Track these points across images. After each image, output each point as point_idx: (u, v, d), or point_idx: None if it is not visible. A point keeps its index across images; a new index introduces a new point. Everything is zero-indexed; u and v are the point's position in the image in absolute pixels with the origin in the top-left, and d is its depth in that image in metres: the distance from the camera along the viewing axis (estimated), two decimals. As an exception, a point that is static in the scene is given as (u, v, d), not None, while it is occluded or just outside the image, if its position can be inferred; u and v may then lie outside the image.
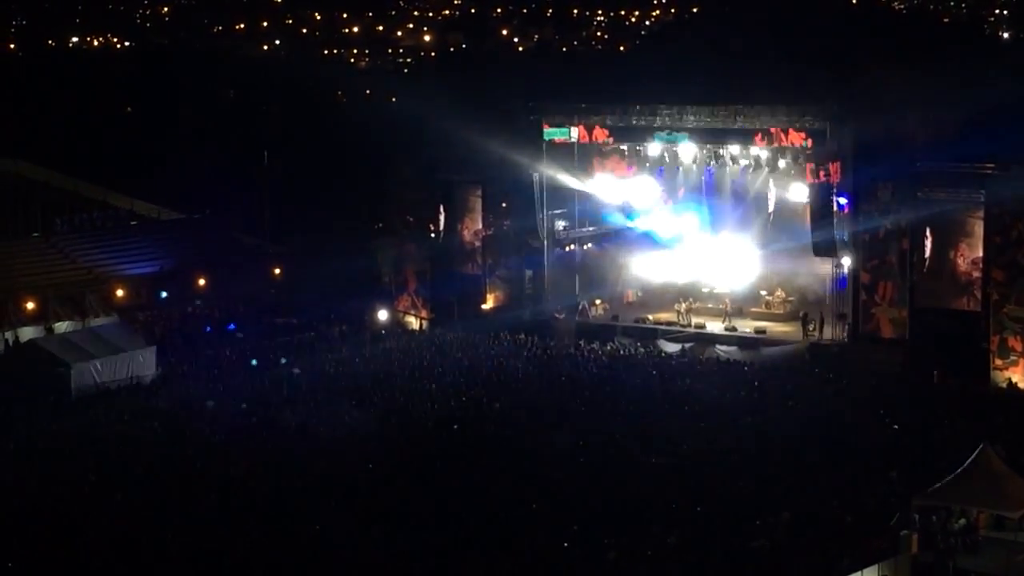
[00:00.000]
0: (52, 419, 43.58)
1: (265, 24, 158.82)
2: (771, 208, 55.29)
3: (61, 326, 55.05)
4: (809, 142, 51.87)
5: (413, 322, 61.02)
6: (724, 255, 57.14)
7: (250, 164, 73.83)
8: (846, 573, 29.98)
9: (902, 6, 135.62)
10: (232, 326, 57.19)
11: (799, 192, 53.80)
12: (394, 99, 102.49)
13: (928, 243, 49.62)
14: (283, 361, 50.02)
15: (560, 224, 60.14)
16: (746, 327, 55.19)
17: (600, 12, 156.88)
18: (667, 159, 56.82)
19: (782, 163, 54.01)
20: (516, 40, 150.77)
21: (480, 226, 60.67)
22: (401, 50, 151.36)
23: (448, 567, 30.74)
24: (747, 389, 46.17)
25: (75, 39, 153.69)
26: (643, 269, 59.39)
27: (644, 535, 31.95)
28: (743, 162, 55.36)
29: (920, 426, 40.85)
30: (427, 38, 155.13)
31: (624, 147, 57.69)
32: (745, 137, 53.80)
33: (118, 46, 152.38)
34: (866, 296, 51.09)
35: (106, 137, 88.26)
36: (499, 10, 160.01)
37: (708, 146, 55.53)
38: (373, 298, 60.78)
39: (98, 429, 42.64)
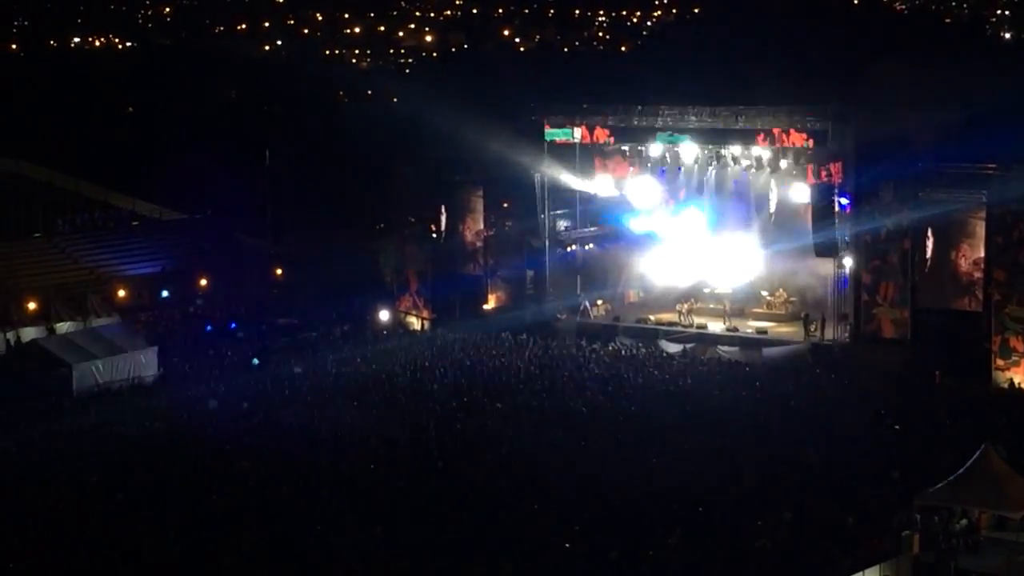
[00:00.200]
0: (53, 419, 43.57)
1: (266, 24, 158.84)
2: (772, 208, 55.25)
3: (63, 326, 55.03)
4: (811, 142, 51.90)
5: (414, 322, 61.01)
6: (726, 256, 57.10)
7: (252, 164, 73.83)
8: (847, 573, 29.96)
9: (904, 7, 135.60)
10: (233, 325, 57.13)
11: (801, 192, 53.78)
12: (395, 99, 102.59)
13: (930, 243, 49.60)
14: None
15: (562, 224, 60.16)
16: (747, 328, 55.18)
17: (602, 12, 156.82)
18: (669, 159, 56.74)
19: (784, 163, 53.93)
20: (518, 40, 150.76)
21: (482, 226, 60.68)
22: (403, 50, 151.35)
23: (449, 567, 30.73)
24: (748, 389, 46.18)
25: (77, 39, 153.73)
26: (645, 270, 59.38)
27: (645, 535, 31.94)
28: (745, 162, 55.27)
29: (921, 426, 40.84)
30: (428, 38, 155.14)
31: (626, 147, 57.62)
32: (747, 137, 53.80)
33: (119, 46, 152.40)
34: (867, 296, 51.06)
35: (108, 137, 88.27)
36: (500, 10, 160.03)
37: (710, 146, 55.47)
38: (374, 298, 60.78)
39: (99, 429, 42.65)
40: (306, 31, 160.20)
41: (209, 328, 57.17)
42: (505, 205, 60.48)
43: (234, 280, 63.59)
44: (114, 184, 73.99)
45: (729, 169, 56.13)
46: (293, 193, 73.64)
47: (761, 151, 53.99)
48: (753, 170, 55.25)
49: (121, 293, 60.70)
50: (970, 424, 39.93)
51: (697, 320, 55.70)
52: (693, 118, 54.73)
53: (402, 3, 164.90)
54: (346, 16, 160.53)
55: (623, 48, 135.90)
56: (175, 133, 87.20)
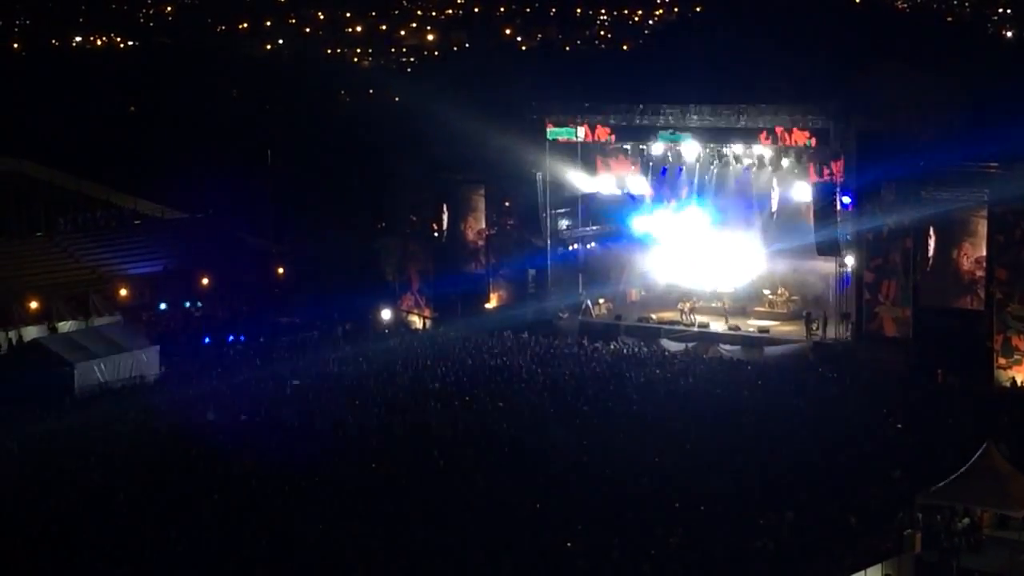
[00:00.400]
0: (55, 418, 43.58)
1: (268, 23, 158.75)
2: (774, 207, 55.31)
3: (65, 325, 55.10)
4: (813, 141, 51.95)
5: (416, 321, 61.07)
6: (727, 254, 57.10)
7: (253, 163, 73.89)
8: (849, 572, 29.96)
9: (905, 5, 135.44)
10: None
11: (802, 191, 53.84)
12: (397, 98, 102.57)
13: (931, 242, 49.59)
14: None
15: (563, 223, 60.18)
16: (749, 326, 55.17)
17: (603, 11, 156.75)
18: (670, 158, 56.82)
19: (785, 162, 54.03)
20: (519, 39, 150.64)
21: (483, 225, 60.72)
22: (404, 49, 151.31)
23: (450, 567, 30.72)
24: (750, 388, 46.14)
25: (78, 39, 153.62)
26: (646, 268, 59.38)
27: (647, 535, 31.93)
28: (746, 161, 55.37)
29: (923, 425, 40.79)
30: (430, 37, 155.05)
31: (627, 146, 57.76)
32: (748, 136, 53.88)
33: (121, 45, 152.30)
34: (869, 295, 51.05)
35: (109, 136, 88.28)
36: (502, 9, 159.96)
37: (711, 145, 55.55)
38: (376, 297, 60.82)
39: (101, 428, 42.63)
40: (308, 30, 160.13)
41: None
42: (507, 204, 60.50)
43: (236, 279, 63.58)
44: (116, 183, 73.96)
45: (731, 168, 56.21)
46: (295, 192, 73.69)
47: (763, 150, 54.07)
48: (755, 169, 55.32)
49: (123, 292, 60.71)
50: (972, 423, 39.91)
51: (699, 319, 55.69)
52: (695, 117, 54.80)
53: (404, 2, 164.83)
54: (348, 15, 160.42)
55: (625, 47, 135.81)
56: (177, 132, 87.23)
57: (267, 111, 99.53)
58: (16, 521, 34.10)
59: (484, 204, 60.73)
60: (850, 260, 51.82)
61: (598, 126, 56.85)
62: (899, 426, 40.89)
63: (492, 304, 59.92)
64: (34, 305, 56.03)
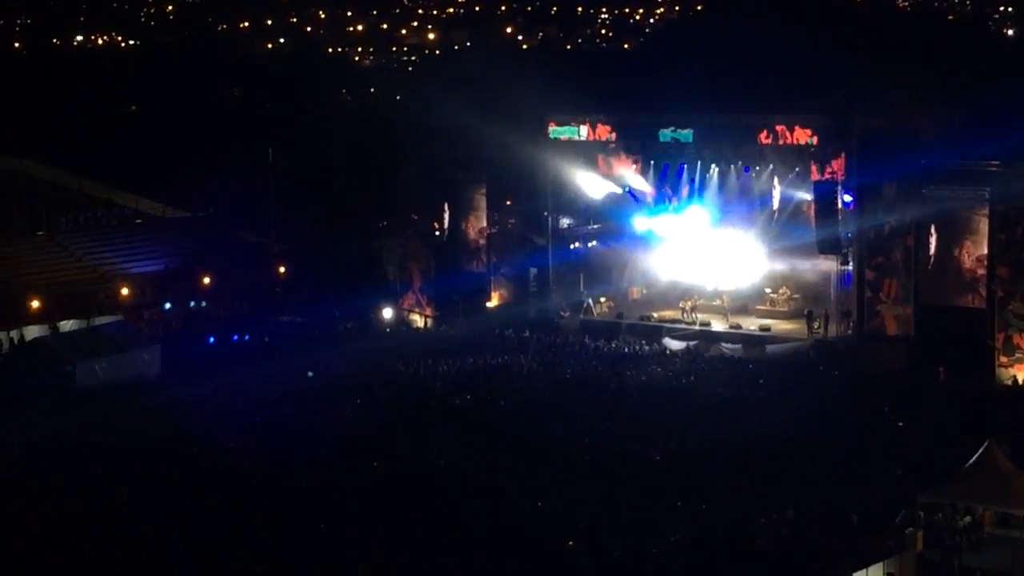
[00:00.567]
0: (57, 417, 43.56)
1: (269, 22, 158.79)
2: (775, 206, 55.31)
3: (66, 324, 55.11)
4: (814, 139, 51.94)
5: (418, 320, 61.07)
6: (729, 253, 57.10)
7: (255, 162, 73.78)
8: (851, 571, 29.93)
9: (907, 3, 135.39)
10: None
11: (803, 189, 53.78)
12: (398, 97, 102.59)
13: (933, 240, 49.59)
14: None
15: (565, 222, 60.22)
16: (751, 325, 55.18)
17: (604, 10, 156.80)
18: (672, 157, 56.77)
19: (786, 160, 53.95)
20: (520, 38, 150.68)
21: (485, 224, 60.73)
22: (405, 48, 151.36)
23: (452, 565, 30.71)
24: (751, 387, 46.16)
25: (79, 38, 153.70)
26: (648, 267, 59.38)
27: (648, 533, 31.92)
28: (748, 159, 55.29)
29: (925, 423, 40.77)
30: (431, 36, 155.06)
31: (629, 144, 57.68)
32: (750, 134, 53.80)
33: (123, 44, 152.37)
34: (871, 293, 51.05)
35: (111, 135, 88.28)
36: (503, 8, 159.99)
37: (713, 143, 55.49)
38: (378, 296, 60.84)
39: (103, 427, 42.65)
40: (309, 29, 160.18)
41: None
42: (508, 202, 60.52)
43: (237, 278, 63.57)
44: (117, 182, 73.90)
45: (732, 166, 56.15)
46: (296, 191, 73.63)
47: (764, 148, 53.97)
48: (756, 167, 55.25)
49: (124, 291, 60.68)
50: (973, 421, 39.85)
51: (700, 317, 55.70)
52: (696, 115, 54.73)
53: (405, 1, 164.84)
54: (349, 14, 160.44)
55: (626, 46, 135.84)
56: (178, 131, 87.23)
57: (268, 110, 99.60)
58: (17, 520, 34.10)
59: (486, 203, 60.75)
60: (851, 258, 51.78)
61: (599, 125, 56.90)
62: (900, 424, 40.88)
63: (493, 303, 59.93)
64: (36, 304, 56.04)
